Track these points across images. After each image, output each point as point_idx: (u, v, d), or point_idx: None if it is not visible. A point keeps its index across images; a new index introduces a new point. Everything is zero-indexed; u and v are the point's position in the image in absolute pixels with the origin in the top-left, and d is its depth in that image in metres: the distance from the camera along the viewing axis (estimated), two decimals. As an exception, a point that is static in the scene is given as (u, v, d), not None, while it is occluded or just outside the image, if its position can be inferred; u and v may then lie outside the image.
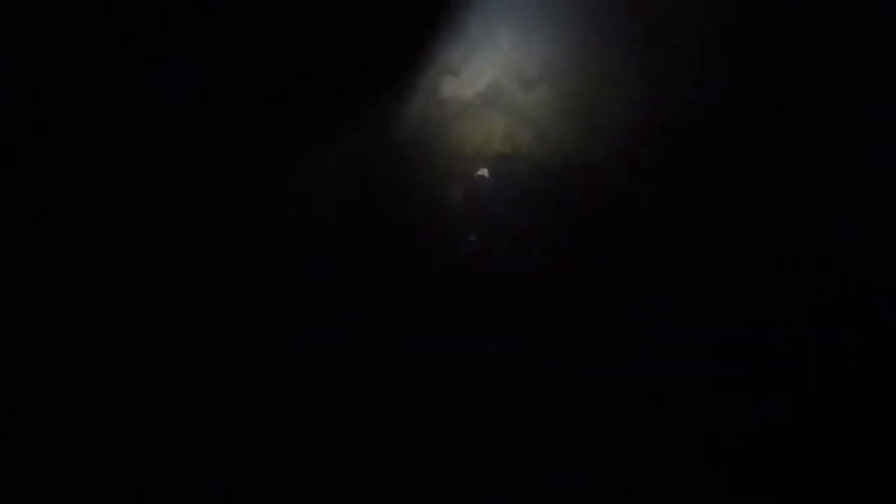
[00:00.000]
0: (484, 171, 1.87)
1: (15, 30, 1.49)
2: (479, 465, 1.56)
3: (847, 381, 1.46)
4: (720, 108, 1.70)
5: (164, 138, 1.63)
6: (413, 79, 1.85)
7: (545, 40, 1.78)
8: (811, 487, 1.44)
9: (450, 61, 1.85)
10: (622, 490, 1.52)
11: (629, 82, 1.76)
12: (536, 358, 1.72)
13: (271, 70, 1.74)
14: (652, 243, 1.75)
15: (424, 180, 1.87)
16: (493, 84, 1.85)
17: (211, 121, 1.64)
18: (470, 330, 1.77)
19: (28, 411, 1.52)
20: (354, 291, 1.77)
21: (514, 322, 1.76)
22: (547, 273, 1.78)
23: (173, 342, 1.59)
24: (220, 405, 1.55)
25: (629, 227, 1.75)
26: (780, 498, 1.45)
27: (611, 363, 1.67)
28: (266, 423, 1.58)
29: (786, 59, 1.69)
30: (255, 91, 1.70)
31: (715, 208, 1.73)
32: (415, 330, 1.69)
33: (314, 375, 1.64)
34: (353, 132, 1.82)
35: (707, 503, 1.48)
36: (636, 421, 1.57)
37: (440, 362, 1.67)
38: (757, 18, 1.71)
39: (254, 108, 1.71)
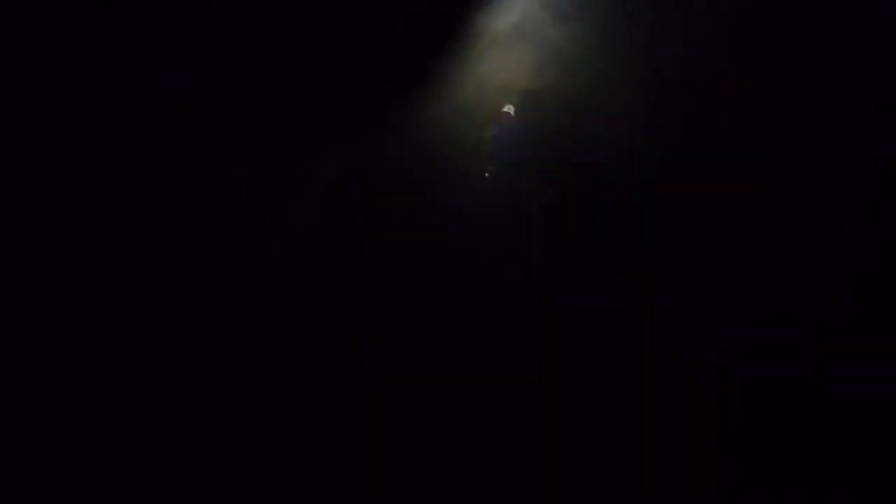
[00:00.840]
0: (510, 109, 1.89)
1: (14, 30, 1.43)
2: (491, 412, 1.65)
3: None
4: (744, 60, 1.67)
5: (164, 139, 1.62)
6: (446, 10, 1.81)
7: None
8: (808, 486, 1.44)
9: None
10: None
11: (661, 27, 1.72)
12: (546, 294, 1.80)
13: (276, 55, 1.71)
14: (662, 193, 1.79)
15: (450, 117, 1.89)
16: (526, 16, 1.81)
17: (213, 118, 1.62)
18: (481, 269, 1.85)
19: (24, 406, 1.52)
20: (370, 223, 1.85)
21: (527, 258, 1.83)
22: (560, 212, 1.83)
23: (170, 335, 1.62)
24: (217, 395, 1.60)
25: (643, 177, 1.78)
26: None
27: (617, 299, 1.76)
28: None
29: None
30: (258, 78, 1.68)
31: (730, 162, 1.74)
32: (427, 266, 1.78)
33: (328, 311, 1.75)
34: (380, 67, 1.82)
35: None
36: (640, 356, 1.67)
37: (452, 297, 1.78)
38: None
39: (258, 95, 1.69)
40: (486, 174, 1.89)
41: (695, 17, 1.73)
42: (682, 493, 1.42)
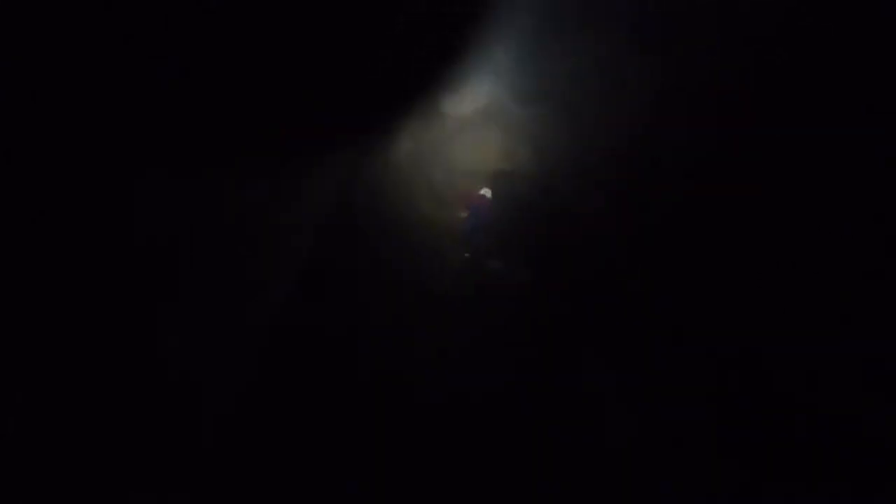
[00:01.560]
0: (486, 192, 1.87)
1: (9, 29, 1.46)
2: (472, 471, 1.64)
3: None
4: (715, 122, 1.62)
5: (162, 143, 1.64)
6: (411, 95, 1.84)
7: (541, 57, 1.73)
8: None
9: (448, 78, 1.82)
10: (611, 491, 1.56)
11: (625, 97, 1.69)
12: (530, 367, 1.76)
13: (266, 85, 1.74)
14: (647, 256, 1.75)
15: (422, 198, 1.89)
16: (492, 99, 1.82)
17: (207, 127, 1.65)
18: (464, 342, 1.82)
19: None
20: (342, 304, 1.84)
21: (509, 334, 1.79)
22: (542, 287, 1.80)
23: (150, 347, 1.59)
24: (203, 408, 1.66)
25: (627, 240, 1.74)
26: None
27: (600, 372, 1.71)
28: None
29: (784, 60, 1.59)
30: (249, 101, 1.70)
31: (709, 222, 1.69)
32: (407, 340, 1.76)
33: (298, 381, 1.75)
34: (350, 148, 1.85)
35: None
36: (623, 427, 1.61)
37: (434, 373, 1.75)
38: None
39: (247, 117, 1.71)
40: (466, 255, 1.87)
41: (659, 90, 1.70)
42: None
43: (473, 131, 1.86)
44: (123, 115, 1.52)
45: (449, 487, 1.58)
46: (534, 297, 1.76)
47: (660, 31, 1.63)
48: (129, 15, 1.52)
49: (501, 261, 1.90)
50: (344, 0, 1.65)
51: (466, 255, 1.87)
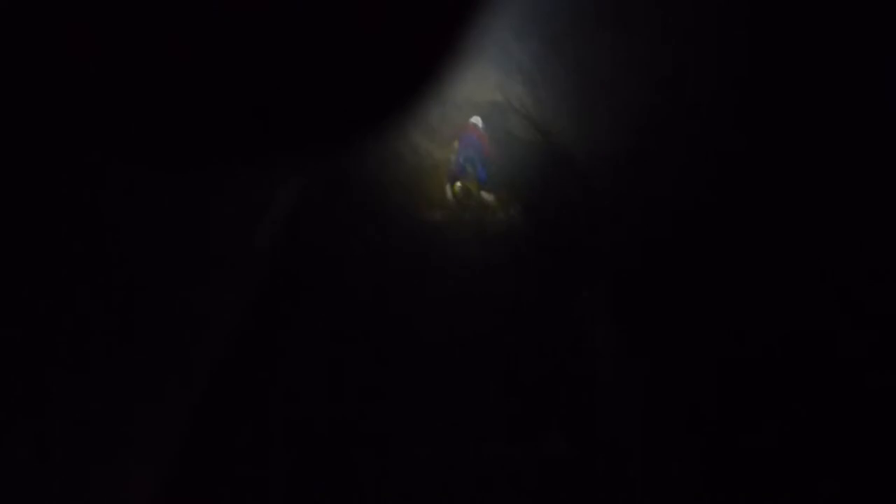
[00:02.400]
0: (477, 121, 1.88)
1: None
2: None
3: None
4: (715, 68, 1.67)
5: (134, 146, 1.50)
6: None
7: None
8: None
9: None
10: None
11: (627, 43, 1.70)
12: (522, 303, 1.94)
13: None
14: (640, 200, 1.89)
15: (415, 134, 1.89)
16: (488, 34, 1.75)
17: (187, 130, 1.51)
18: (449, 289, 1.96)
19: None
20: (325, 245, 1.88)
21: (502, 270, 1.97)
22: (534, 222, 1.95)
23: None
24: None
25: (611, 189, 1.87)
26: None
27: (596, 311, 1.94)
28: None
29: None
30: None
31: (705, 182, 1.82)
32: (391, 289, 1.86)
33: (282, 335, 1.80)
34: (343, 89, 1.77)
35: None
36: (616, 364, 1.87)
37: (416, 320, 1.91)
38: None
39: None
40: (458, 186, 1.94)
41: (659, 30, 1.72)
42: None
43: (466, 64, 1.81)
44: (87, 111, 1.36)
45: (443, 422, 1.80)
46: (525, 232, 1.91)
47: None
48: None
49: (493, 193, 1.99)
50: None
51: (458, 185, 1.94)
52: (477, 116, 1.90)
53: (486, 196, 1.92)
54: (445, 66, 1.83)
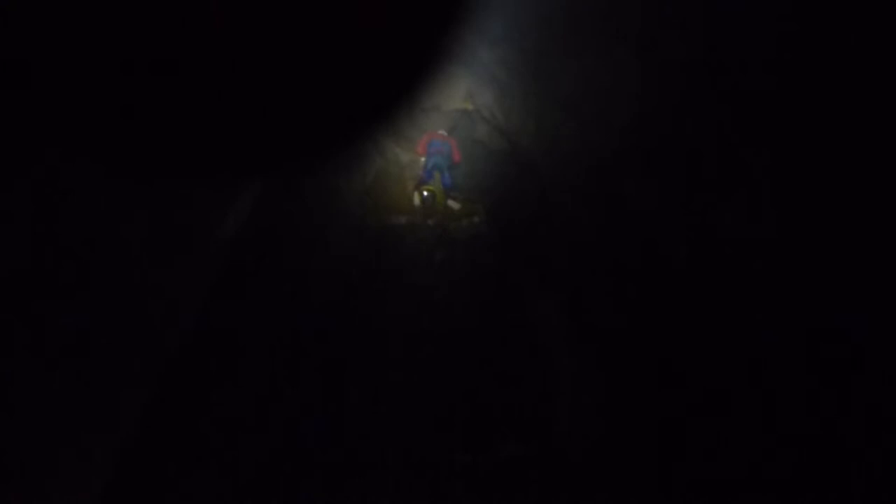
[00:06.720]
0: (443, 132, 1.86)
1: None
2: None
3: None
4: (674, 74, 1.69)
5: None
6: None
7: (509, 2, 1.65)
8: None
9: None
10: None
11: (594, 48, 1.71)
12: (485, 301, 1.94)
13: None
14: (600, 214, 1.89)
15: (384, 139, 1.86)
16: (458, 40, 1.75)
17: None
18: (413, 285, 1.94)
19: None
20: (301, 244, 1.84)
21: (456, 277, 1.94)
22: (496, 227, 1.93)
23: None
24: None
25: (575, 196, 1.86)
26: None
27: (553, 315, 1.93)
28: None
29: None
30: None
31: (660, 183, 1.83)
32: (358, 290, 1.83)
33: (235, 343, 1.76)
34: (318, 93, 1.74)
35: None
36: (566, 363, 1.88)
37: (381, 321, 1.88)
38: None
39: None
40: (425, 193, 1.91)
41: (628, 50, 1.74)
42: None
43: (439, 70, 1.80)
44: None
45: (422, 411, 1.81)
46: (487, 239, 1.89)
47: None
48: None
49: (459, 199, 1.97)
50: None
51: (426, 193, 1.91)
52: (446, 124, 1.89)
53: (452, 203, 1.90)
54: (418, 73, 1.81)
